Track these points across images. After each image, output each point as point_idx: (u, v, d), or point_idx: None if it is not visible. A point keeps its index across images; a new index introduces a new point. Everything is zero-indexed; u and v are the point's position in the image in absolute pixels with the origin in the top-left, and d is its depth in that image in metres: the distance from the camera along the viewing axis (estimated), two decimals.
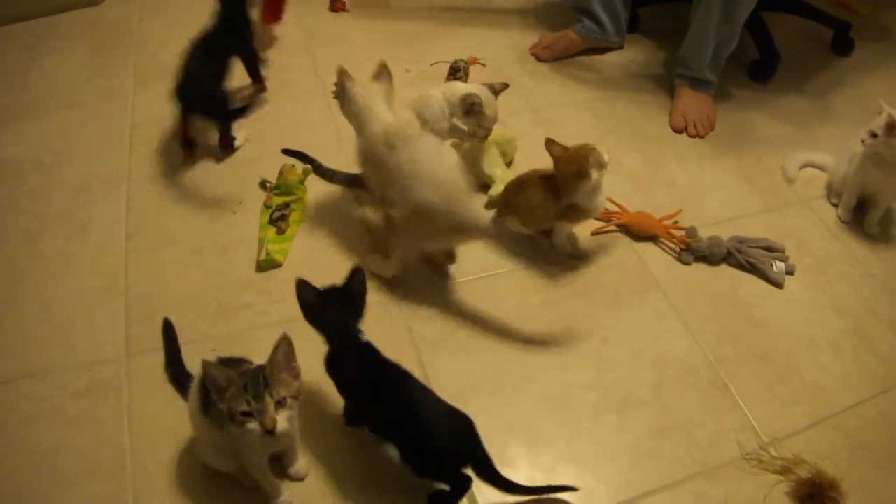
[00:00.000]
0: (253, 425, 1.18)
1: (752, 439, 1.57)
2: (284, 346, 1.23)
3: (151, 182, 2.10)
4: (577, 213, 1.83)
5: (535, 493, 1.43)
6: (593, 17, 2.61)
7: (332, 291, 1.42)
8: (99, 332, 1.72)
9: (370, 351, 1.43)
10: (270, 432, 1.18)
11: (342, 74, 1.78)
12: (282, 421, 1.20)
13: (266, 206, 2.00)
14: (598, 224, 2.00)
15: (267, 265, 1.85)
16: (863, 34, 2.79)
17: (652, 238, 1.98)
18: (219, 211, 2.02)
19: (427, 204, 1.63)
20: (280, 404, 1.20)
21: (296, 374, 1.25)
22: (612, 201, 2.02)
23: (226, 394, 1.19)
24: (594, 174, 1.73)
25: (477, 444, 1.40)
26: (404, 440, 1.41)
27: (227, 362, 1.33)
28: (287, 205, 1.98)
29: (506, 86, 1.95)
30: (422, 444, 1.38)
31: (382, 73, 1.83)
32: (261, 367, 1.22)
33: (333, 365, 1.44)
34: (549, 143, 1.79)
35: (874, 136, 1.87)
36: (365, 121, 1.76)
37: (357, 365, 1.42)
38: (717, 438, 1.57)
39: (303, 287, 1.40)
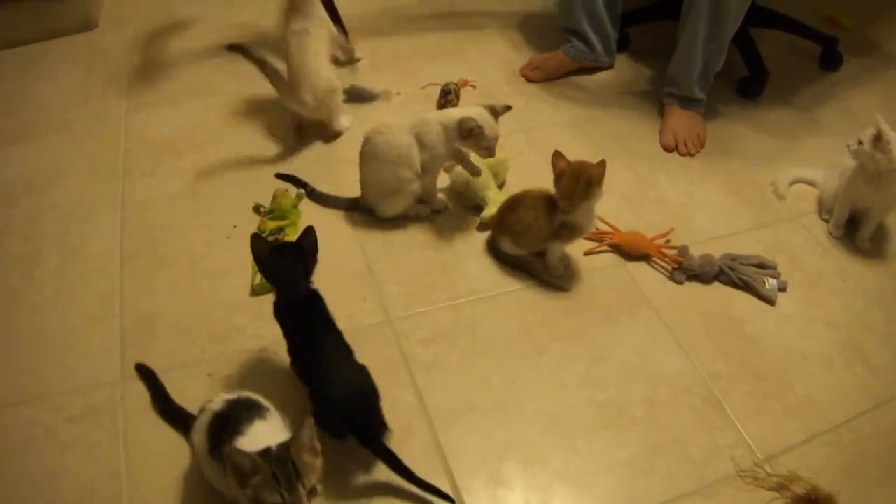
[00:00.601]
0: None
1: (747, 456, 1.57)
2: (308, 428, 1.21)
3: (145, 206, 2.11)
4: (570, 231, 1.85)
5: (415, 484, 1.46)
6: (582, 38, 2.62)
7: (284, 246, 1.55)
8: (94, 356, 1.72)
9: (314, 301, 1.54)
10: None
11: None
12: None
13: (260, 230, 2.00)
14: (590, 245, 2.00)
15: (261, 290, 1.85)
16: (850, 49, 2.82)
17: (644, 257, 1.98)
18: (213, 235, 2.02)
19: None
20: (312, 493, 1.19)
21: (316, 453, 1.24)
22: (603, 221, 2.03)
23: (251, 479, 1.17)
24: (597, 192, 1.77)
25: (370, 416, 1.49)
26: (311, 387, 1.51)
27: (238, 404, 1.35)
28: (281, 229, 1.99)
29: (508, 108, 1.97)
30: (320, 394, 1.48)
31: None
32: (285, 451, 1.19)
33: (280, 311, 1.55)
34: (556, 157, 1.81)
35: (860, 143, 1.89)
36: None
37: (295, 312, 1.54)
38: (711, 455, 1.57)
39: (256, 240, 1.51)
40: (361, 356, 1.54)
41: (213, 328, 1.78)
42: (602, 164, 1.75)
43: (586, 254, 1.99)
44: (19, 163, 2.26)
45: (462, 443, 1.57)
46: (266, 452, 1.19)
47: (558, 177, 1.80)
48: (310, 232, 1.52)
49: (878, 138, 1.85)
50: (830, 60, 2.78)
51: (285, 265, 1.51)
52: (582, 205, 1.77)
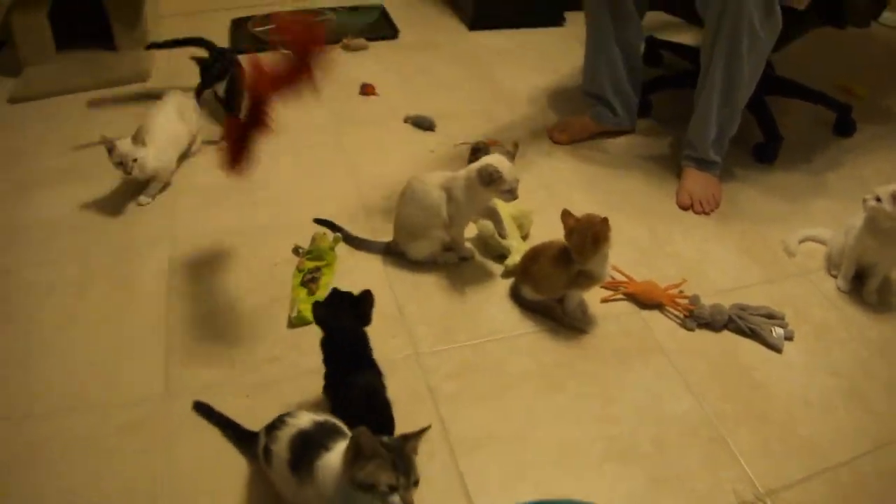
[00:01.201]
0: (395, 499, 1.26)
1: (749, 490, 1.64)
2: (416, 437, 1.33)
3: (191, 243, 2.26)
4: (587, 280, 1.96)
5: None
6: (606, 103, 2.78)
7: (344, 301, 1.66)
8: (141, 374, 1.84)
9: (360, 339, 1.66)
10: None
11: None
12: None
13: (298, 269, 2.13)
14: (606, 293, 2.11)
15: (298, 322, 1.98)
16: (864, 116, 2.95)
17: (657, 306, 2.09)
18: (254, 272, 2.16)
19: None
20: (415, 484, 1.30)
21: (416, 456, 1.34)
22: (619, 270, 2.15)
23: (367, 462, 1.27)
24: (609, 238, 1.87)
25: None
26: (333, 404, 1.61)
27: (324, 426, 1.46)
28: (318, 269, 2.12)
29: (516, 146, 2.10)
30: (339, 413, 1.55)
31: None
32: (401, 444, 1.31)
33: (326, 344, 1.67)
34: (565, 215, 1.92)
35: (878, 199, 1.97)
36: None
37: (341, 348, 1.65)
38: (714, 489, 1.64)
39: (318, 309, 1.65)
40: (390, 386, 1.66)
41: (251, 355, 1.90)
42: (605, 220, 1.85)
43: (603, 301, 2.10)
44: (77, 199, 2.44)
45: (480, 469, 1.66)
46: (384, 442, 1.30)
47: (568, 234, 1.91)
48: (368, 294, 1.66)
49: None
50: (844, 127, 2.91)
51: (344, 324, 1.65)
52: (593, 257, 1.88)
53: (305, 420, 1.47)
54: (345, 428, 1.47)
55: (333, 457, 1.36)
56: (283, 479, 1.46)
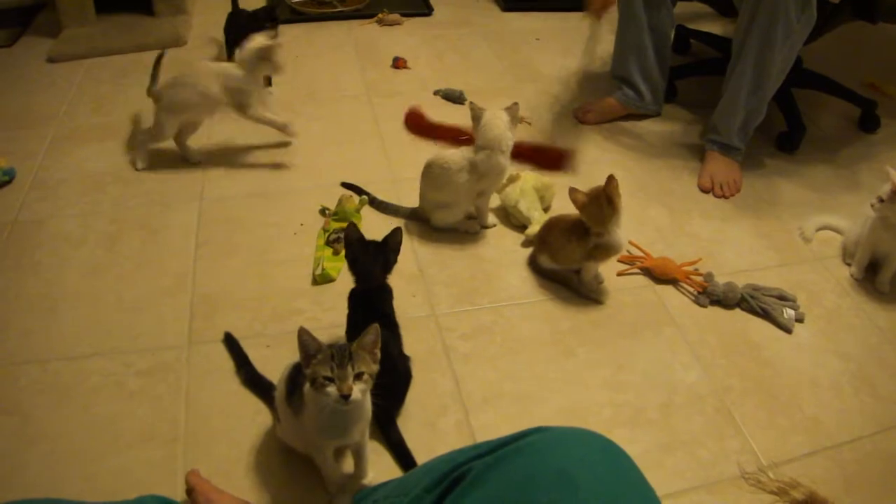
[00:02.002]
0: (332, 389, 1.31)
1: (752, 462, 1.67)
2: (374, 334, 1.37)
3: (221, 201, 2.33)
4: (603, 252, 1.99)
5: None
6: (633, 86, 2.81)
7: (372, 243, 1.69)
8: (165, 323, 1.91)
9: (383, 292, 1.71)
10: (345, 397, 1.31)
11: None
12: (356, 392, 1.32)
13: (324, 230, 2.19)
14: (623, 267, 2.15)
15: (322, 279, 2.03)
16: (889, 112, 2.96)
17: (672, 281, 2.12)
18: (281, 230, 2.22)
19: None
20: (358, 377, 1.33)
21: (375, 360, 1.39)
22: (635, 245, 2.19)
23: (313, 360, 1.33)
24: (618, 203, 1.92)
25: (394, 398, 1.66)
26: None
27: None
28: (342, 230, 2.17)
29: (516, 104, 2.15)
30: None
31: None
32: (348, 345, 1.35)
33: (352, 296, 1.72)
34: (572, 192, 1.96)
35: (881, 200, 2.02)
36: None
37: (365, 299, 1.70)
38: (718, 458, 1.67)
39: (352, 229, 1.70)
40: (407, 342, 1.73)
41: (274, 309, 1.96)
42: (610, 177, 1.91)
43: (619, 275, 2.13)
44: (110, 156, 2.51)
45: (491, 425, 1.70)
46: (332, 344, 1.35)
47: (581, 209, 1.96)
48: (396, 233, 1.70)
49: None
50: (868, 122, 2.92)
51: (367, 257, 1.68)
52: (614, 218, 1.93)
53: None
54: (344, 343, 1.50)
55: None
56: (283, 415, 1.53)
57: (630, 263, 2.16)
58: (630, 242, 2.17)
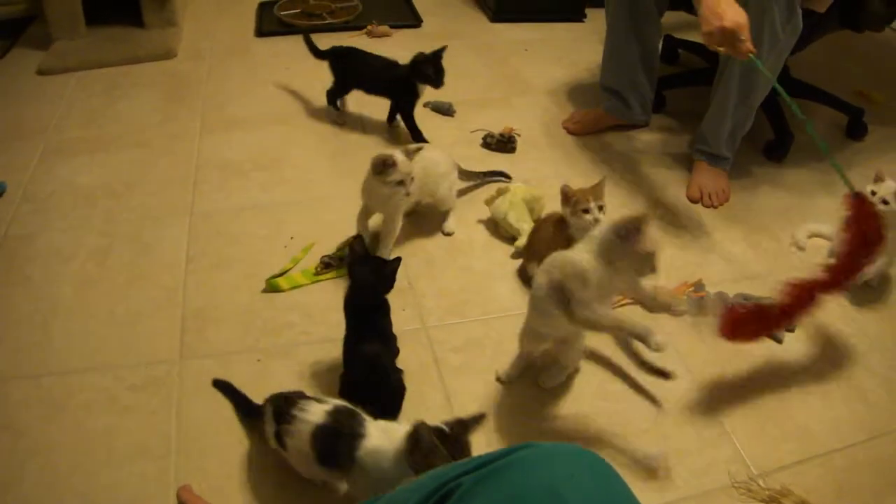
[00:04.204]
0: None
1: (743, 471, 1.67)
2: (477, 423, 1.41)
3: (212, 215, 2.33)
4: None
5: None
6: (621, 97, 2.82)
7: (373, 259, 1.72)
8: (156, 337, 1.91)
9: (379, 308, 1.73)
10: None
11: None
12: None
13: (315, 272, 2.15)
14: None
15: (270, 287, 2.06)
16: (877, 119, 2.99)
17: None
18: (271, 243, 2.23)
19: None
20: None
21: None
22: None
23: (425, 456, 1.32)
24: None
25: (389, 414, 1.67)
26: (345, 367, 1.71)
27: (340, 413, 1.48)
28: (340, 259, 2.16)
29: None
30: (344, 381, 1.71)
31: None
32: (459, 432, 1.38)
33: (348, 306, 1.72)
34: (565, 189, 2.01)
35: (885, 202, 2.01)
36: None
37: (362, 310, 1.71)
38: (708, 467, 1.68)
39: (359, 242, 1.74)
40: (400, 361, 1.75)
41: (265, 322, 1.97)
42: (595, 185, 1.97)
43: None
44: (101, 170, 2.52)
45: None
46: (441, 432, 1.35)
47: (565, 199, 2.00)
48: (395, 262, 1.71)
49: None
50: (856, 129, 2.94)
51: (368, 270, 1.69)
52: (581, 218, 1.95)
53: (317, 412, 1.47)
54: (353, 407, 1.50)
55: (377, 441, 1.41)
56: (308, 468, 1.51)
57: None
58: None
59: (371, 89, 2.75)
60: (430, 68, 2.57)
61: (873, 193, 2.03)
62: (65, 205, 2.36)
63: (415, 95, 2.68)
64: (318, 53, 2.80)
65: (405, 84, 2.64)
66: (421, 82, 2.61)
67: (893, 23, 3.07)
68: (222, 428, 1.69)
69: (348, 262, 1.73)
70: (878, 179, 2.04)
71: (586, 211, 1.96)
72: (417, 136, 2.72)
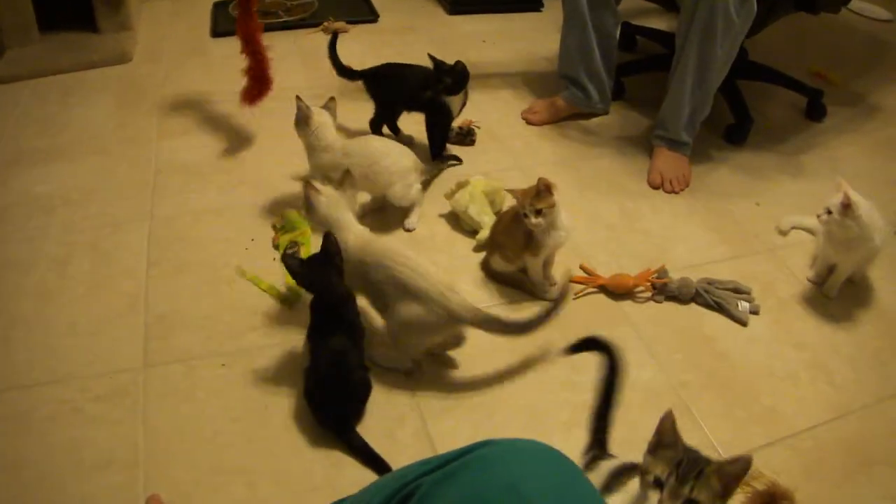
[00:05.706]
0: (654, 495, 1.22)
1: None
2: (743, 465, 1.26)
3: (171, 220, 2.30)
4: (535, 245, 1.99)
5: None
6: (580, 86, 2.82)
7: (313, 258, 1.69)
8: (119, 346, 1.88)
9: (347, 301, 1.72)
10: None
11: (307, 187, 1.86)
12: None
13: (275, 245, 2.19)
14: (580, 287, 2.12)
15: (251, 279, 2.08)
16: (836, 100, 3.02)
17: (629, 294, 2.10)
18: (232, 246, 2.20)
19: (417, 318, 1.74)
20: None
21: (726, 495, 1.26)
22: (585, 268, 2.16)
23: (660, 449, 1.27)
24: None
25: (350, 405, 1.70)
26: (310, 362, 1.69)
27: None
28: (295, 242, 2.16)
29: (333, 99, 2.28)
30: (309, 377, 1.70)
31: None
32: (705, 461, 1.25)
33: (316, 307, 1.71)
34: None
35: (829, 212, 1.96)
36: (336, 230, 1.80)
37: (329, 309, 1.70)
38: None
39: (288, 260, 1.67)
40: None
41: (229, 326, 1.95)
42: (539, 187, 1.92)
43: (576, 298, 2.09)
44: (57, 178, 2.47)
45: (450, 432, 1.71)
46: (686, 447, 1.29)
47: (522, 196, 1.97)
48: (328, 236, 1.69)
49: (847, 206, 1.91)
50: (815, 111, 2.97)
51: (318, 273, 1.67)
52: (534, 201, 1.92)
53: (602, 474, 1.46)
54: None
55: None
56: None
57: (584, 284, 2.13)
58: (581, 267, 2.17)
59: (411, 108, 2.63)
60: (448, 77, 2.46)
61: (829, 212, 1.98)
62: (21, 216, 2.32)
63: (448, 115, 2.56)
64: (347, 72, 2.67)
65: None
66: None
67: (850, 3, 3.11)
68: (189, 434, 1.68)
69: (298, 280, 1.70)
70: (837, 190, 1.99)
71: (525, 215, 1.95)
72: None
